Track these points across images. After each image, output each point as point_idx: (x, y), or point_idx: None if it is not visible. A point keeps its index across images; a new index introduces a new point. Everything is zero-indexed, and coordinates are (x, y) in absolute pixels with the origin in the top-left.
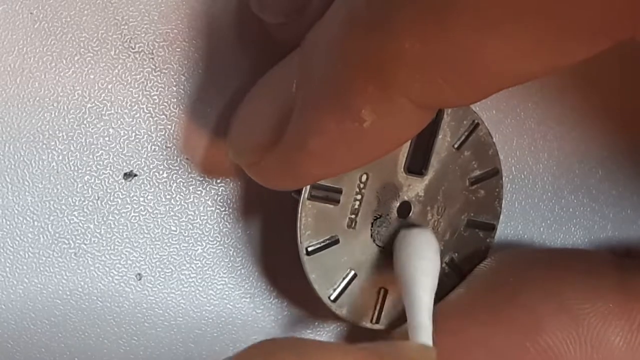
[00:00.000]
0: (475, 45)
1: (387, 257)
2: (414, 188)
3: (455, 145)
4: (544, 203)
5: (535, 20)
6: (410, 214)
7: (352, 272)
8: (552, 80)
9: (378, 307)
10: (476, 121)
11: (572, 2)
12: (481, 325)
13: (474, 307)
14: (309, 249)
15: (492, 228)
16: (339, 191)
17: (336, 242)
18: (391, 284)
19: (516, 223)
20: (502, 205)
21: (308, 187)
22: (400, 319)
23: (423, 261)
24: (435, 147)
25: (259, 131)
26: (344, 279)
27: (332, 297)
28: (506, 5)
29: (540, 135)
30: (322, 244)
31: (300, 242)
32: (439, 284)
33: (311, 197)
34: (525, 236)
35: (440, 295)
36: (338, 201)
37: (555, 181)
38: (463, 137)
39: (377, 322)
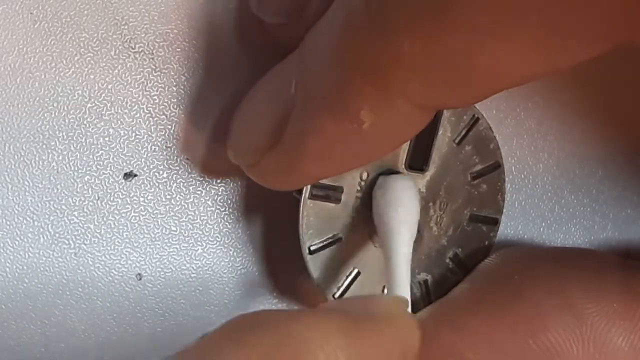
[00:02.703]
0: (474, 47)
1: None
2: (416, 184)
3: (456, 141)
4: (544, 203)
5: (534, 23)
6: None
7: (356, 270)
8: (552, 80)
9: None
10: (476, 116)
11: (571, 6)
12: (485, 321)
13: (477, 302)
14: (312, 248)
15: (495, 222)
16: (340, 190)
17: (339, 240)
18: None
19: (516, 223)
20: (506, 199)
21: (309, 186)
22: None
23: (401, 209)
24: (436, 142)
25: (258, 132)
26: (347, 277)
27: (336, 296)
28: (505, 7)
29: (540, 135)
30: (325, 243)
31: (303, 242)
32: (442, 279)
33: (312, 197)
34: (525, 236)
35: (444, 290)
36: (339, 200)
37: (555, 181)
38: (463, 132)
39: None
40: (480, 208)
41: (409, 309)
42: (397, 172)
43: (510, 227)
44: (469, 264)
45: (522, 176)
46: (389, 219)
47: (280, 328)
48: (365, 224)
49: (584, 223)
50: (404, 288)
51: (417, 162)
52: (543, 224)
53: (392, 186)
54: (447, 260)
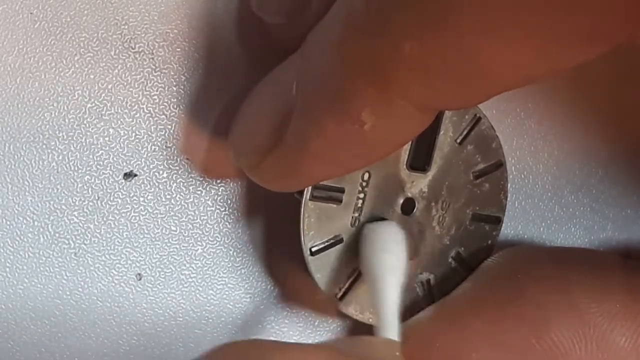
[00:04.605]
0: (475, 48)
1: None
2: (418, 184)
3: (458, 140)
4: (544, 203)
5: (534, 24)
6: (415, 210)
7: (358, 271)
8: (552, 80)
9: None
10: (478, 115)
11: (572, 7)
12: (487, 321)
13: (480, 302)
14: (313, 249)
15: (497, 221)
16: (342, 190)
17: (340, 241)
18: None
19: (516, 223)
20: (508, 197)
21: (310, 187)
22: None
23: (388, 255)
24: (438, 142)
25: (260, 133)
26: (349, 278)
27: (339, 296)
28: (505, 9)
29: (540, 135)
30: (326, 244)
31: (304, 243)
32: (445, 279)
33: (313, 198)
34: (525, 236)
35: (447, 290)
36: (341, 200)
37: (555, 181)
38: (465, 132)
39: None
40: (482, 207)
41: (398, 353)
42: (384, 219)
43: (510, 227)
44: (471, 263)
45: (522, 176)
46: (376, 266)
47: (268, 357)
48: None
49: (584, 223)
50: (392, 331)
51: (419, 162)
52: (543, 224)
53: (379, 232)
54: (450, 260)
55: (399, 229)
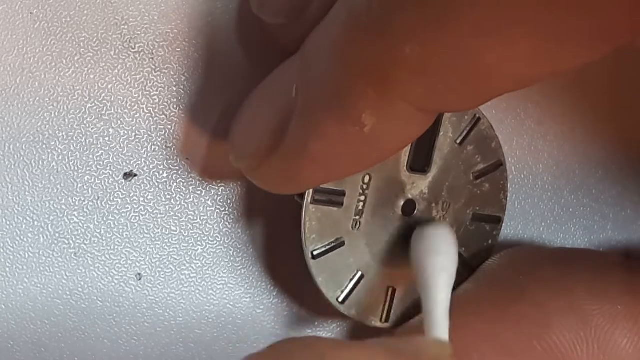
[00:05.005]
0: (475, 50)
1: (393, 256)
2: (418, 186)
3: (458, 141)
4: (544, 203)
5: (535, 26)
6: (415, 211)
7: (359, 273)
8: (552, 80)
9: (387, 306)
10: (477, 115)
11: (572, 9)
12: (489, 321)
13: (481, 303)
14: (315, 252)
15: (498, 221)
16: (342, 194)
17: (341, 244)
18: (399, 282)
19: (516, 223)
20: (508, 197)
21: (311, 191)
22: (409, 316)
23: (440, 257)
24: (437, 143)
25: (259, 135)
26: (351, 280)
27: (340, 299)
28: (506, 10)
29: (540, 135)
30: (328, 247)
31: (306, 246)
32: None
33: (314, 201)
34: (525, 236)
35: None
36: (341, 204)
37: (555, 181)
38: (465, 132)
39: (387, 320)
40: (483, 207)
41: (450, 353)
42: (434, 220)
43: (510, 227)
44: (472, 263)
45: (522, 176)
46: (428, 267)
47: (327, 357)
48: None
49: (584, 223)
50: (443, 331)
51: (419, 163)
52: (543, 224)
53: (431, 235)
54: None
55: (451, 231)
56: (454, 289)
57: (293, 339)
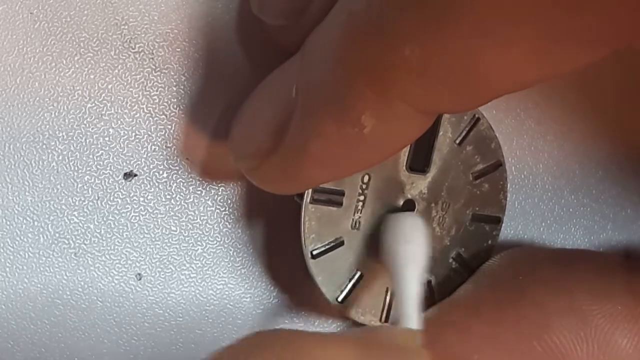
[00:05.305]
0: (475, 51)
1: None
2: (417, 186)
3: (457, 141)
4: (544, 203)
5: (534, 28)
6: (415, 211)
7: (359, 273)
8: (552, 80)
9: (386, 306)
10: (476, 115)
11: (571, 11)
12: (489, 322)
13: (481, 303)
14: (314, 252)
15: (497, 221)
16: (342, 193)
17: (341, 244)
18: None
19: (516, 223)
20: (508, 197)
21: (310, 191)
22: None
23: (410, 246)
24: (437, 143)
25: (259, 135)
26: (350, 280)
27: (340, 299)
28: (506, 12)
29: (540, 135)
30: (327, 247)
31: (305, 246)
32: (446, 279)
33: (314, 201)
34: (525, 236)
35: (448, 290)
36: (341, 203)
37: (555, 181)
38: (464, 132)
39: (386, 320)
40: (482, 207)
41: (419, 342)
42: (402, 210)
43: (510, 227)
44: (472, 263)
45: (522, 176)
46: (398, 256)
47: (296, 348)
48: (367, 226)
49: (584, 223)
50: (413, 321)
51: (418, 163)
52: (543, 224)
53: (400, 223)
54: (451, 261)
55: (421, 220)
56: (454, 290)
57: (263, 332)
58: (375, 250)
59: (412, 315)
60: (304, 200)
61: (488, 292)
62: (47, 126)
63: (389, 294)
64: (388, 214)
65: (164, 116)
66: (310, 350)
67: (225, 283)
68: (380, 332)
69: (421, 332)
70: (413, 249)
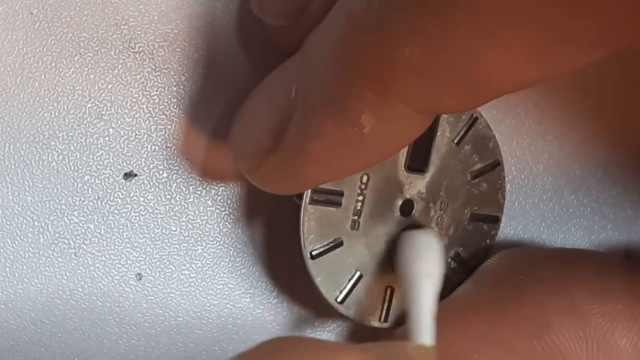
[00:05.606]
0: (474, 51)
1: (392, 256)
2: (416, 186)
3: (455, 141)
4: (544, 203)
5: (534, 28)
6: (413, 211)
7: (358, 273)
8: (552, 80)
9: (385, 306)
10: (475, 115)
11: (571, 11)
12: (488, 322)
13: (481, 303)
14: (314, 252)
15: (496, 220)
16: (341, 194)
17: (340, 244)
18: (397, 282)
19: (516, 223)
20: (506, 197)
21: (309, 191)
22: None
23: (425, 263)
24: (435, 143)
25: (259, 135)
26: (350, 280)
27: (339, 299)
28: (506, 12)
29: (540, 135)
30: (327, 247)
31: (304, 247)
32: (445, 279)
33: (313, 202)
34: (525, 236)
35: (447, 290)
36: (340, 204)
37: (555, 181)
38: (462, 132)
39: (386, 320)
40: (480, 207)
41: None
42: (421, 226)
43: (510, 227)
44: (471, 263)
45: (522, 176)
46: (413, 273)
47: (308, 356)
48: (366, 226)
49: (584, 223)
50: (427, 337)
51: (417, 163)
52: (543, 224)
53: (416, 241)
54: (449, 260)
55: (437, 237)
56: (453, 290)
57: (281, 338)
58: (376, 252)
59: (426, 331)
60: (303, 201)
61: (488, 291)
62: (47, 126)
63: (388, 294)
64: (404, 231)
65: (164, 116)
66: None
67: (225, 283)
68: (394, 347)
69: (435, 348)
70: (428, 266)
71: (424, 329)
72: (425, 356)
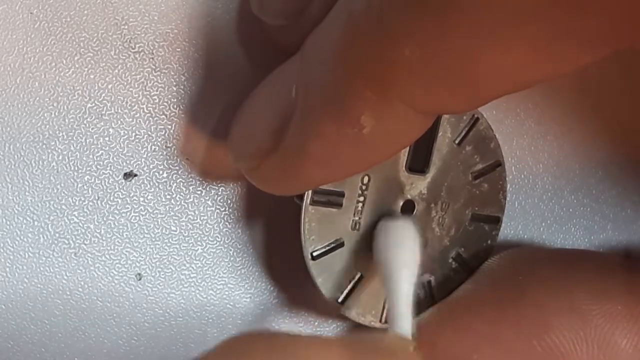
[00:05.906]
0: (474, 51)
1: None
2: (417, 186)
3: (456, 141)
4: (544, 203)
5: (534, 28)
6: (414, 212)
7: (359, 274)
8: (552, 80)
9: (386, 307)
10: (476, 115)
11: (571, 11)
12: (489, 322)
13: (481, 303)
14: (314, 253)
15: (497, 221)
16: (341, 194)
17: (341, 245)
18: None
19: (516, 223)
20: (507, 197)
21: (310, 192)
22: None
23: (401, 250)
24: (436, 144)
25: (259, 136)
26: (350, 281)
27: (340, 300)
28: (506, 12)
29: (540, 135)
30: (327, 248)
31: (305, 248)
32: (446, 279)
33: (313, 203)
34: (525, 236)
35: (448, 290)
36: (341, 205)
37: (555, 181)
38: (464, 133)
39: (386, 321)
40: (482, 207)
41: (411, 347)
42: (395, 215)
43: (510, 227)
44: (472, 263)
45: (522, 176)
46: (390, 261)
47: (283, 350)
48: (367, 227)
49: (584, 223)
50: (405, 326)
51: (418, 164)
52: (543, 224)
53: (392, 229)
54: (450, 261)
55: (413, 225)
56: (453, 290)
57: (245, 334)
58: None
59: (404, 321)
60: (304, 202)
61: (488, 291)
62: (47, 126)
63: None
64: (381, 220)
65: (164, 116)
66: (295, 351)
67: (225, 283)
68: (372, 338)
69: (412, 336)
70: (404, 254)
71: (402, 318)
72: (404, 345)
